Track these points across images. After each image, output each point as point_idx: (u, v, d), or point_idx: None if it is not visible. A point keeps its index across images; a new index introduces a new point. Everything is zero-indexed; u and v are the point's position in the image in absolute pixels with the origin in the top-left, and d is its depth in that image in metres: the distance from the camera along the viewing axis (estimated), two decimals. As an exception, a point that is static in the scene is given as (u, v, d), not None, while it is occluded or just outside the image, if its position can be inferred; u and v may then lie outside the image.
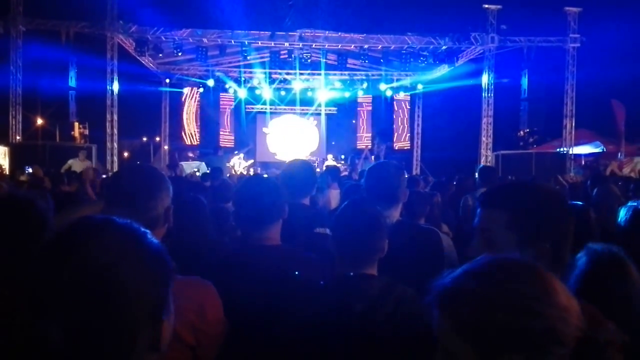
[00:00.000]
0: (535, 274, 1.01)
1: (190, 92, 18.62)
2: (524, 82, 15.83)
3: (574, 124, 15.21)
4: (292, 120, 20.89)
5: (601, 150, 16.58)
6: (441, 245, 2.77)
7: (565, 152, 15.02)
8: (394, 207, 2.57)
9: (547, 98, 16.46)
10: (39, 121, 20.19)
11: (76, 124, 15.23)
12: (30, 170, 10.67)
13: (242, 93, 19.15)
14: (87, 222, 1.01)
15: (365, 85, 19.39)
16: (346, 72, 18.61)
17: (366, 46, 15.57)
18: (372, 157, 16.98)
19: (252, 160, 17.20)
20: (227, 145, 19.20)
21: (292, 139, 20.73)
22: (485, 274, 1.02)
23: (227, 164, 15.60)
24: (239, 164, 16.13)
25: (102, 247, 0.95)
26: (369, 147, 19.67)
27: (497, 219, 1.40)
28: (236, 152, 17.14)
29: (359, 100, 20.63)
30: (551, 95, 15.78)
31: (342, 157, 18.06)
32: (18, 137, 13.98)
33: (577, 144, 15.59)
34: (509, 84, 15.97)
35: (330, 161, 16.46)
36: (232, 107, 19.77)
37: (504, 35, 14.99)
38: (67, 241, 0.97)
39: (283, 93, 19.78)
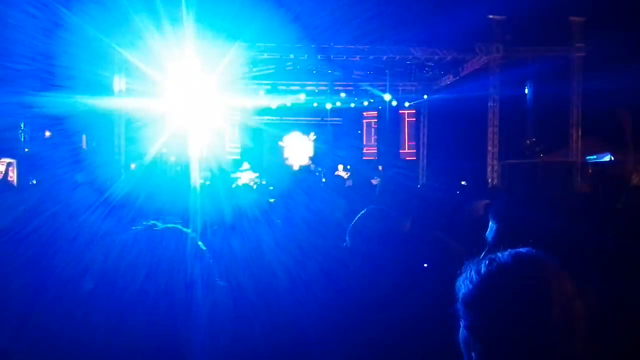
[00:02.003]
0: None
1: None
2: (530, 91, 15.80)
3: (580, 133, 15.16)
4: (299, 135, 21.00)
5: (609, 159, 16.48)
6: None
7: (572, 161, 14.95)
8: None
9: (553, 107, 16.41)
10: None
11: None
12: None
13: (249, 104, 19.22)
14: None
15: (370, 96, 19.44)
16: (351, 83, 18.65)
17: (371, 57, 15.61)
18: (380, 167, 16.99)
19: (257, 174, 17.22)
20: (233, 156, 19.27)
21: (300, 150, 20.84)
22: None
23: (232, 175, 15.67)
24: (247, 175, 16.26)
25: None
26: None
27: None
28: (244, 164, 17.25)
29: (364, 110, 20.66)
30: (557, 104, 15.74)
31: (348, 167, 18.08)
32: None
33: (584, 152, 15.52)
34: (514, 93, 15.96)
35: (340, 172, 16.47)
36: (239, 119, 19.83)
37: (509, 45, 15.00)
38: None
39: (289, 104, 19.83)
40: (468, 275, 1.14)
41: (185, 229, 1.13)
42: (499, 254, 1.14)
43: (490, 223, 1.46)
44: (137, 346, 0.96)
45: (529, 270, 1.09)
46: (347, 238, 1.96)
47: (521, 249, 1.15)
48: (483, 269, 1.11)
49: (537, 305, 1.04)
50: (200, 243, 1.20)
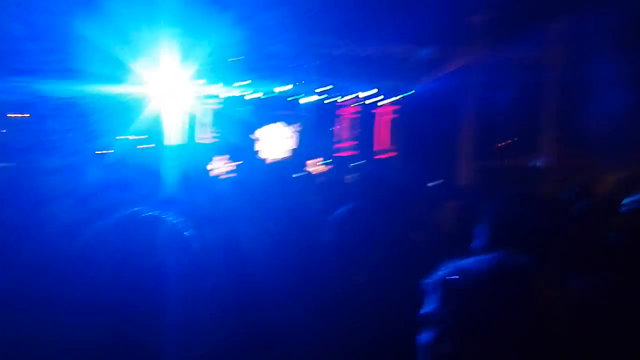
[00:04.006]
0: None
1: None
2: (506, 94, 15.95)
3: (553, 138, 15.34)
4: (274, 127, 20.81)
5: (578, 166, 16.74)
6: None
7: (541, 165, 15.15)
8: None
9: (527, 111, 16.63)
10: None
11: None
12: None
13: (225, 94, 19.11)
14: None
15: (347, 91, 19.46)
16: (331, 78, 18.64)
17: (352, 52, 15.60)
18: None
19: (233, 164, 17.13)
20: (207, 146, 19.13)
21: (275, 143, 20.71)
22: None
23: (207, 165, 15.55)
24: (223, 164, 16.28)
25: None
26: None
27: None
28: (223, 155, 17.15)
29: (342, 106, 20.65)
30: (532, 108, 15.93)
31: (323, 161, 18.09)
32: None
33: (555, 158, 15.72)
34: (491, 95, 16.11)
35: (311, 166, 16.51)
36: (215, 109, 19.65)
37: (490, 45, 15.06)
38: None
39: (266, 96, 19.68)
40: (438, 288, 1.07)
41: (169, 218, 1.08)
42: (468, 262, 1.07)
43: (479, 224, 1.45)
44: (115, 338, 0.92)
45: (508, 280, 1.03)
46: (326, 234, 1.95)
47: (497, 255, 1.08)
48: (456, 282, 1.04)
49: (519, 317, 0.99)
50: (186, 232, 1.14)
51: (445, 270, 1.10)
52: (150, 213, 0.91)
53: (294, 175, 14.95)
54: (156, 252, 0.86)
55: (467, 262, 1.08)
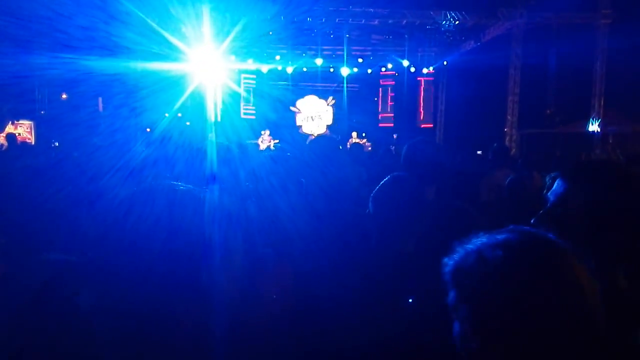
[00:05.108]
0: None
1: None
2: (552, 59, 15.43)
3: (602, 104, 14.82)
4: (315, 99, 20.79)
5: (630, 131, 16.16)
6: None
7: (592, 132, 14.69)
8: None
9: (575, 76, 16.05)
10: None
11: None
12: None
13: (264, 68, 19.10)
14: None
15: (389, 63, 19.15)
16: (369, 48, 18.36)
17: (390, 21, 15.29)
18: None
19: (277, 141, 17.22)
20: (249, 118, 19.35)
21: (315, 116, 20.69)
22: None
23: (250, 141, 15.73)
24: (268, 140, 16.48)
25: None
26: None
27: None
28: (266, 130, 17.32)
29: (382, 76, 20.37)
30: (580, 73, 15.36)
31: (364, 134, 17.96)
32: None
33: (606, 124, 15.21)
34: (536, 61, 15.58)
35: (354, 139, 16.41)
36: (254, 84, 19.71)
37: (533, 11, 14.57)
38: None
39: (305, 69, 19.60)
40: (466, 260, 0.98)
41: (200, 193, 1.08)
42: (499, 235, 0.97)
43: (557, 181, 1.38)
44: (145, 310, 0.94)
45: (545, 255, 0.94)
46: (370, 204, 1.92)
47: (530, 229, 0.99)
48: (488, 253, 0.95)
49: (555, 297, 0.90)
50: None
51: (459, 254, 1.00)
52: (186, 186, 0.91)
53: (337, 148, 14.94)
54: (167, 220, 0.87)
55: (482, 240, 0.97)
